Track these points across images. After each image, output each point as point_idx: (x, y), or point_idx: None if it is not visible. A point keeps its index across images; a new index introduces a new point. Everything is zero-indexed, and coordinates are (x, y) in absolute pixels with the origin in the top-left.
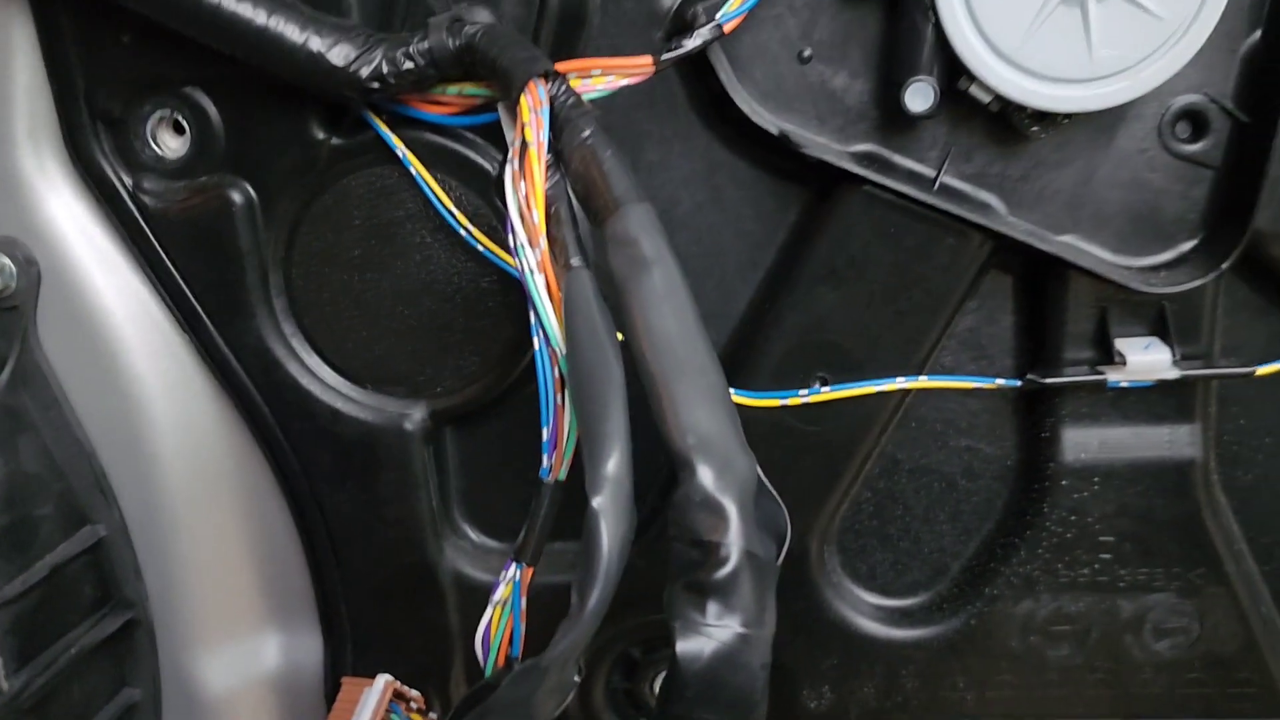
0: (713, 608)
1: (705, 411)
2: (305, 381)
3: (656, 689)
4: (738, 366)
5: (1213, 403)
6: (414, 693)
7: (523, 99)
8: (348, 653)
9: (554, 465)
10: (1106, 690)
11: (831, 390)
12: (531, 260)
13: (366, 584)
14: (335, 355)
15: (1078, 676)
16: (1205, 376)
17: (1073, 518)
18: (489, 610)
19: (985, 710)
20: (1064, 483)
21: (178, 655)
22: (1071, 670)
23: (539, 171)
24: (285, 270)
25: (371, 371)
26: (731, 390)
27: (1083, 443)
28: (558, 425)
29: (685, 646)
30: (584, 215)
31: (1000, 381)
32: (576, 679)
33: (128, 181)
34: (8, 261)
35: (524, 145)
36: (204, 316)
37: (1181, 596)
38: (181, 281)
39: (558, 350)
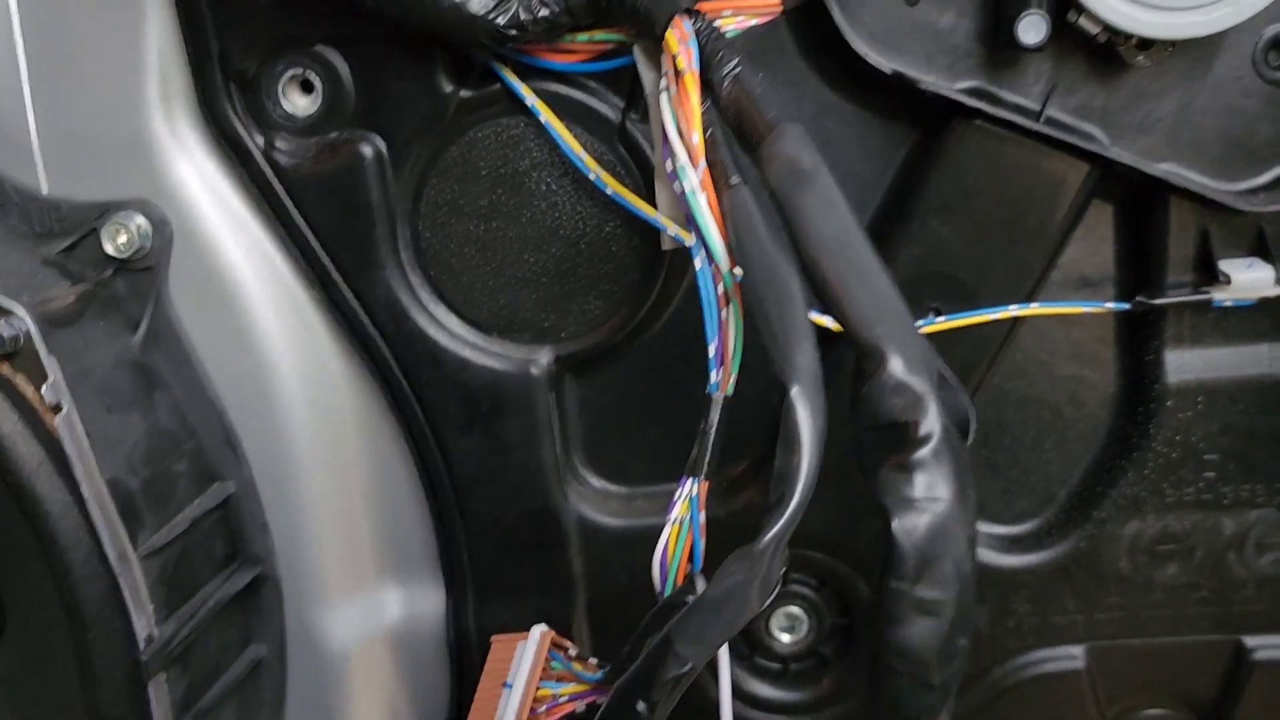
0: (920, 482)
1: (886, 305)
2: (433, 331)
3: (771, 627)
4: None
5: None
6: (569, 641)
7: (669, 34)
8: (469, 602)
9: (722, 380)
10: (1211, 608)
11: (946, 320)
12: (694, 180)
13: (490, 532)
14: (462, 304)
15: (1183, 595)
16: None
17: (1177, 438)
18: (666, 529)
19: (1095, 632)
20: (1169, 404)
21: (302, 610)
22: (1177, 589)
23: (695, 95)
24: (413, 223)
25: (498, 319)
26: None
27: (1186, 364)
28: (723, 340)
29: (901, 522)
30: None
31: (1110, 305)
32: (783, 570)
33: (260, 141)
34: (143, 222)
35: (678, 73)
36: (333, 271)
37: None
38: (312, 237)
39: (721, 266)
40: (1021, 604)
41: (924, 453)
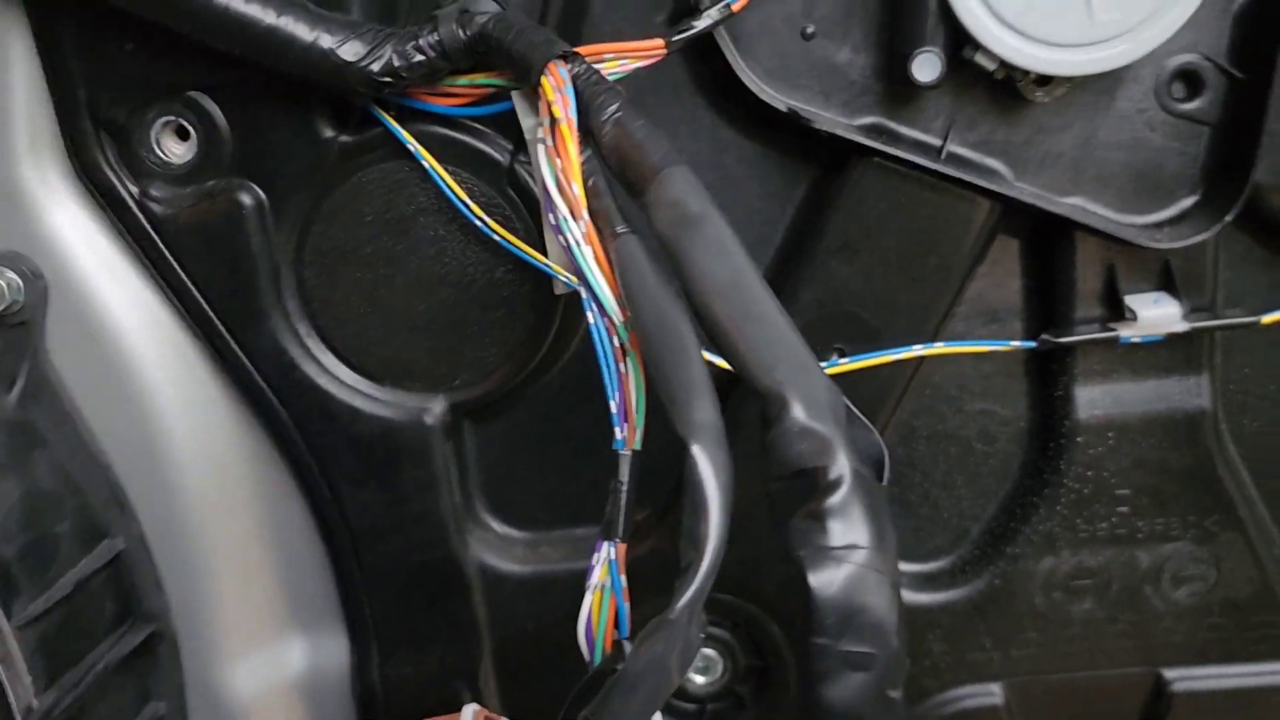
0: (835, 531)
1: (785, 348)
2: (323, 382)
3: (690, 672)
4: None
5: (1218, 354)
6: (500, 718)
7: (544, 80)
8: (374, 653)
9: (628, 435)
10: (1129, 641)
11: (850, 361)
12: (577, 233)
13: (390, 583)
14: (352, 353)
15: (1100, 629)
16: (1213, 327)
17: (1089, 473)
18: (587, 597)
19: (1012, 669)
20: (1079, 439)
21: (202, 666)
22: (1094, 623)
23: (573, 145)
24: (297, 271)
25: (389, 368)
26: None
27: (1096, 399)
28: (624, 394)
29: (818, 575)
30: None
31: (1015, 343)
32: (702, 636)
33: (134, 190)
34: (14, 277)
35: (553, 122)
36: (217, 322)
37: (1197, 544)
38: (193, 288)
39: (614, 319)
40: (937, 642)
41: (836, 499)
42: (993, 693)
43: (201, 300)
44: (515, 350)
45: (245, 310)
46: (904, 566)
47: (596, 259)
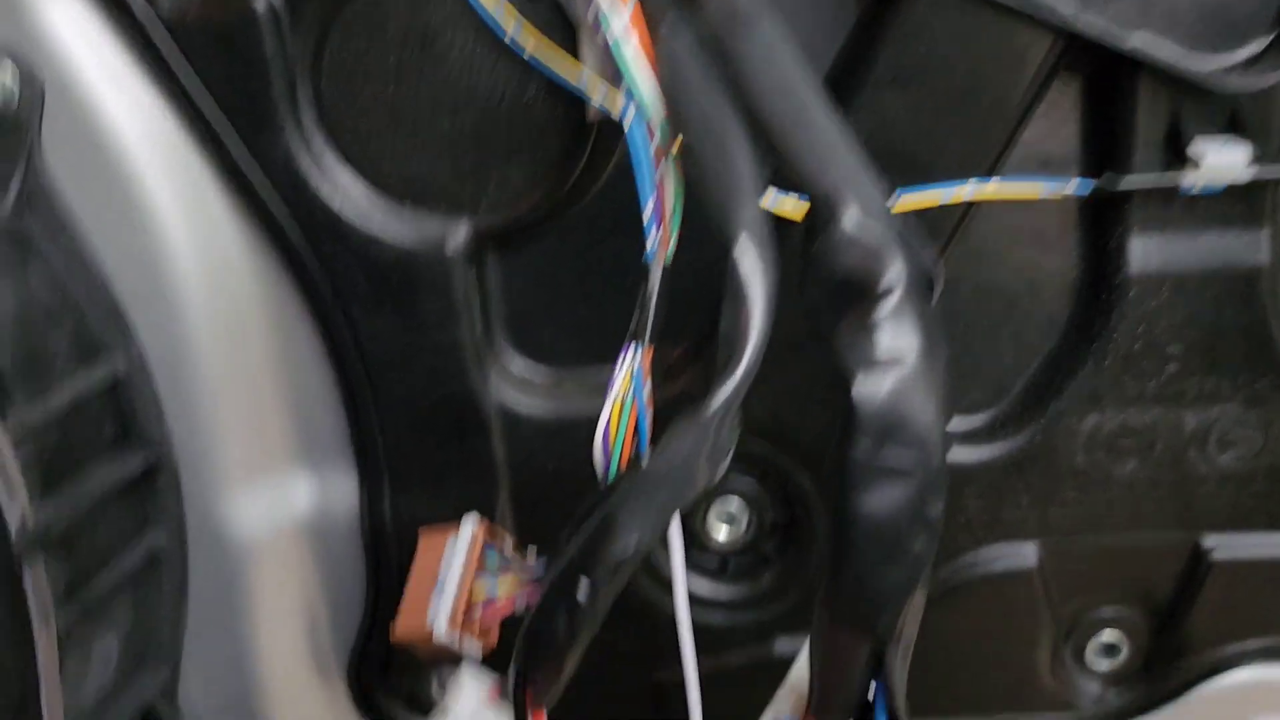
0: (883, 342)
1: (839, 150)
2: (337, 201)
3: (709, 522)
4: None
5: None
6: (504, 531)
7: None
8: (385, 491)
9: (660, 241)
10: (1170, 505)
11: (898, 198)
12: (621, 22)
13: (405, 417)
14: (370, 172)
15: (1141, 491)
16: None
17: (1140, 329)
18: (607, 406)
19: (1048, 529)
20: (1132, 293)
21: (203, 500)
22: (1135, 485)
23: None
24: (314, 81)
25: (409, 189)
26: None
27: (1151, 252)
28: (660, 199)
29: (862, 386)
30: None
31: (1072, 186)
32: (734, 439)
33: None
34: (10, 72)
35: None
36: (226, 132)
37: (1246, 407)
38: (200, 94)
39: (654, 118)
40: (972, 499)
41: (886, 308)
42: (1026, 553)
43: (209, 107)
44: (544, 175)
45: (256, 119)
46: None
47: (641, 50)
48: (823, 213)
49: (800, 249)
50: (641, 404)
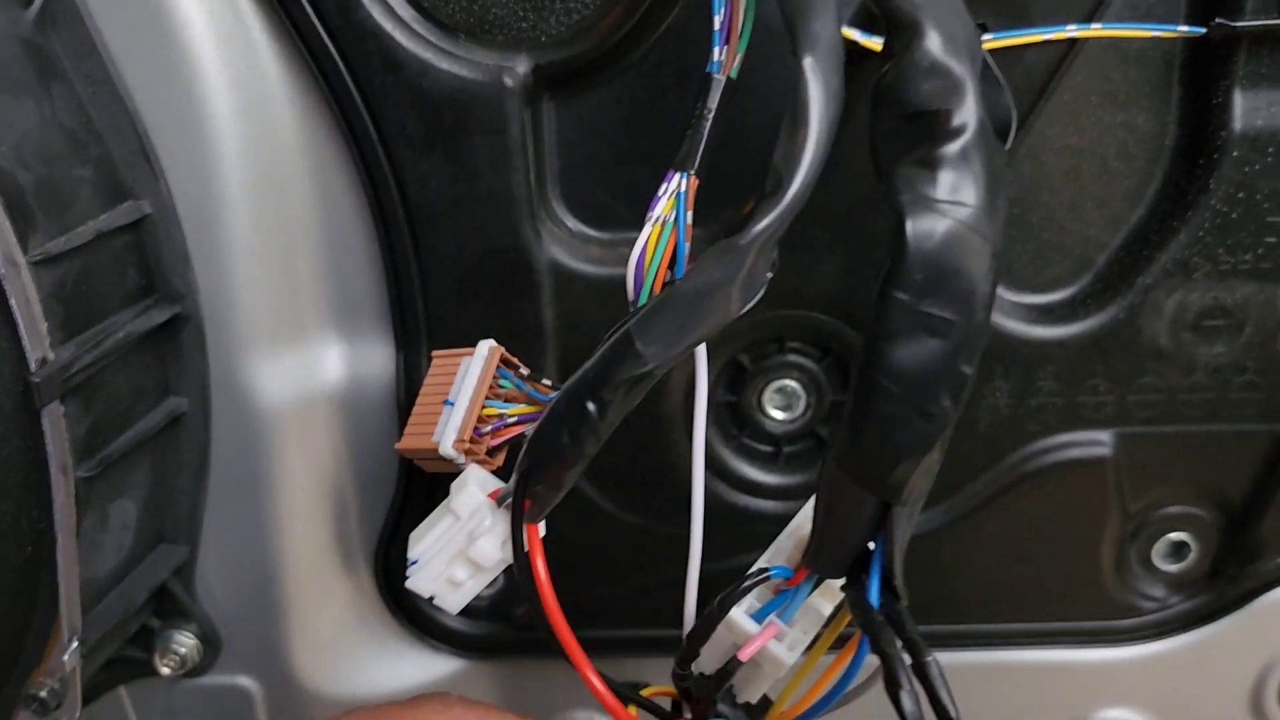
0: (945, 182)
1: None
2: (389, 26)
3: (765, 403)
4: None
5: None
6: (519, 361)
7: None
8: (423, 357)
9: (726, 60)
10: (1256, 394)
11: (993, 38)
12: None
13: (450, 273)
14: None
15: (1226, 378)
16: None
17: (1240, 195)
18: (646, 229)
19: (1126, 417)
20: (1234, 154)
21: (229, 360)
22: (1221, 371)
23: None
24: None
25: (466, 17)
26: None
27: (1259, 108)
28: (731, 9)
29: (918, 224)
30: None
31: (1182, 29)
32: (769, 274)
33: None
34: None
35: None
36: None
37: None
38: None
39: None
40: (1047, 381)
41: (954, 147)
42: (1102, 442)
43: None
44: (613, 4)
45: None
46: (1019, 296)
47: None
48: (901, 36)
49: (875, 76)
50: (682, 232)
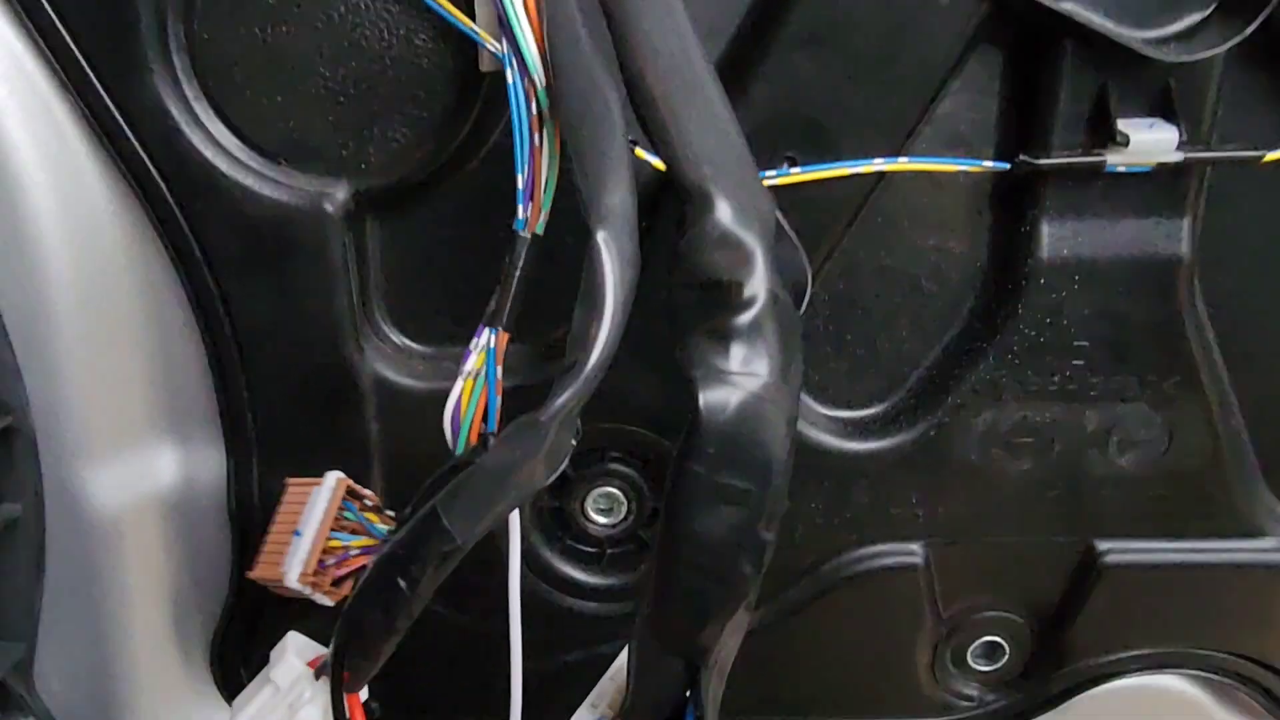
0: (738, 354)
1: (721, 140)
2: (210, 154)
3: (588, 509)
4: None
5: (1203, 199)
6: (367, 491)
7: None
8: (254, 465)
9: (530, 217)
10: (1064, 507)
11: (802, 171)
12: None
13: (276, 388)
14: (245, 124)
15: (1035, 493)
16: (1211, 160)
17: (1047, 319)
18: (458, 383)
19: (936, 529)
20: (1041, 280)
21: (62, 469)
22: (1029, 486)
23: None
24: (187, 21)
25: (286, 144)
26: None
27: (1065, 237)
28: (534, 170)
29: (710, 397)
30: None
31: (988, 163)
32: (573, 443)
33: None
34: None
35: None
36: (90, 74)
37: (1153, 407)
38: (63, 31)
39: (535, 80)
40: (860, 494)
41: (745, 318)
42: (913, 552)
43: (73, 46)
44: (430, 133)
45: (124, 63)
46: (833, 411)
47: (527, 6)
48: (693, 206)
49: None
50: (493, 386)
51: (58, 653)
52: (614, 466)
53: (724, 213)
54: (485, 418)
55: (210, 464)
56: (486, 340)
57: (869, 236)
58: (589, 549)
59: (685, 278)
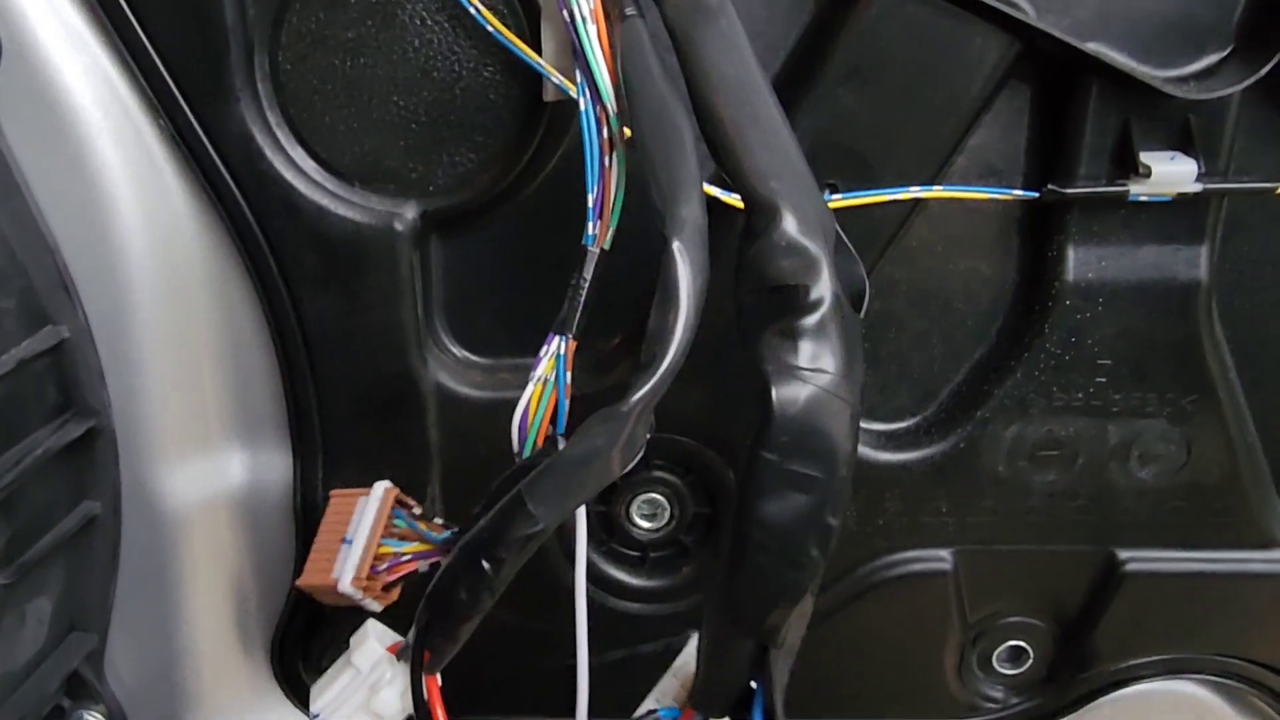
0: (806, 351)
1: (785, 157)
2: (289, 175)
3: (632, 513)
4: None
5: (1221, 227)
6: (412, 500)
7: None
8: (318, 468)
9: (599, 233)
10: (1086, 518)
11: (843, 198)
12: (584, 8)
13: (343, 395)
14: (323, 148)
15: (1059, 503)
16: (1228, 191)
17: (1072, 339)
18: (529, 388)
19: (965, 537)
20: (1067, 303)
21: (139, 468)
22: (1054, 496)
23: None
24: (272, 52)
25: (360, 167)
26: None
27: (1090, 261)
28: (604, 189)
29: (782, 391)
30: None
31: (1018, 193)
32: (648, 436)
33: None
34: None
35: None
36: (180, 99)
37: (1171, 423)
38: (157, 59)
39: (608, 107)
40: (892, 502)
41: (812, 319)
42: (942, 558)
43: (165, 74)
44: (495, 159)
45: (212, 89)
46: (867, 425)
47: (600, 37)
48: (760, 218)
49: (737, 248)
50: (562, 391)
51: (128, 644)
52: (658, 474)
53: (790, 223)
54: (553, 420)
55: (277, 466)
56: (557, 346)
57: (905, 259)
58: (632, 552)
59: (754, 283)
